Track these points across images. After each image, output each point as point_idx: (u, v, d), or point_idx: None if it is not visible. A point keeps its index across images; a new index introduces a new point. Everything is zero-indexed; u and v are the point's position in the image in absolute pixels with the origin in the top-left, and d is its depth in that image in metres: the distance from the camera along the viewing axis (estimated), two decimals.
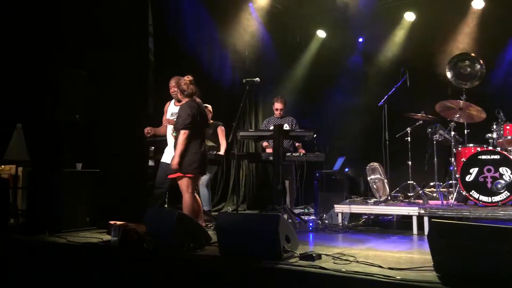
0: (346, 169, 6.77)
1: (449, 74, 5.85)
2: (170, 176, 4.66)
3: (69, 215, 5.09)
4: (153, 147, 6.26)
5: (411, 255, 3.63)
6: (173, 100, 5.34)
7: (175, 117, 5.12)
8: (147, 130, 5.29)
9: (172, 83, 5.19)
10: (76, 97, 5.48)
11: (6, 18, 5.50)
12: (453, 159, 5.47)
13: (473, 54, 5.92)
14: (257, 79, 5.27)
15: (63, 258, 4.21)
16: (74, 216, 5.14)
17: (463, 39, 7.19)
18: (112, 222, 4.35)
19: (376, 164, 6.05)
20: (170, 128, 5.19)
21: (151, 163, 6.31)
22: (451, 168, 5.55)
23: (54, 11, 5.74)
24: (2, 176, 5.97)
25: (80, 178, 5.33)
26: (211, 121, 5.94)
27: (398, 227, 5.38)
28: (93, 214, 5.32)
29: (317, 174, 6.33)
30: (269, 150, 6.31)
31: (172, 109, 5.29)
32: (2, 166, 6.16)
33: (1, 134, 5.71)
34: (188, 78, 4.75)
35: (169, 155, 5.11)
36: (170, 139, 5.15)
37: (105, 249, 4.10)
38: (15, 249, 4.52)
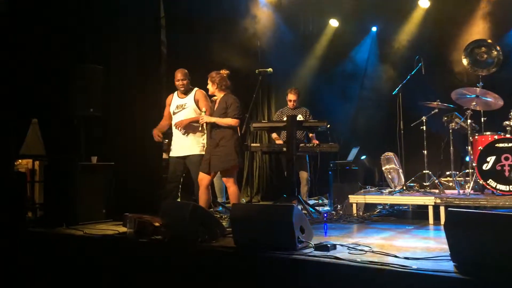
0: (363, 157, 6.73)
1: (465, 61, 5.76)
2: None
3: (85, 208, 5.16)
4: (166, 140, 6.30)
5: (427, 244, 3.60)
6: (176, 92, 5.30)
7: (181, 109, 5.14)
8: (157, 134, 5.21)
9: (179, 75, 5.17)
10: (91, 91, 5.52)
11: (19, 15, 5.56)
12: (469, 147, 5.39)
13: (489, 40, 5.81)
14: (270, 69, 5.24)
15: (80, 250, 4.27)
16: (90, 208, 5.21)
17: (479, 25, 7.03)
18: (127, 214, 4.40)
19: (391, 154, 6.00)
20: (176, 119, 5.17)
21: (165, 156, 6.34)
22: (468, 157, 5.47)
23: (69, 6, 5.78)
24: (19, 170, 6.06)
25: (96, 171, 5.38)
26: None
27: (414, 217, 5.33)
28: (109, 206, 5.38)
29: (331, 165, 6.30)
30: (278, 142, 6.30)
31: (176, 101, 5.24)
32: (19, 160, 6.24)
33: (17, 129, 5.79)
34: (225, 71, 4.88)
35: (177, 149, 5.12)
36: (176, 133, 5.16)
37: (121, 241, 4.14)
38: (33, 241, 4.59)
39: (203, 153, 5.05)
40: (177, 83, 5.18)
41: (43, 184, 5.74)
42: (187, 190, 5.41)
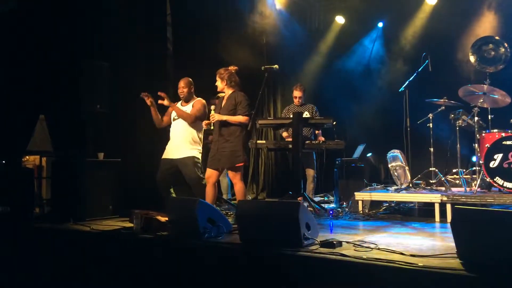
0: (369, 154, 6.72)
1: (472, 58, 5.71)
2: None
3: (92, 204, 5.19)
4: None
5: (433, 242, 3.59)
6: (180, 102, 5.31)
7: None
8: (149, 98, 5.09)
9: (181, 83, 5.18)
10: (98, 88, 5.55)
11: (27, 12, 5.59)
12: (476, 145, 5.36)
13: (497, 37, 5.75)
14: (276, 66, 5.23)
15: (87, 246, 4.30)
16: (97, 204, 5.24)
17: (487, 22, 6.98)
18: (134, 210, 4.42)
19: (397, 151, 5.98)
20: (175, 124, 5.19)
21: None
22: (475, 154, 5.45)
23: (75, 3, 5.81)
24: (27, 167, 6.11)
25: (103, 168, 5.41)
26: None
27: (420, 215, 5.32)
28: (115, 202, 5.41)
29: (337, 162, 6.29)
30: (289, 140, 6.29)
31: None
32: (27, 157, 6.29)
33: (24, 125, 5.83)
34: (233, 68, 4.86)
35: (171, 152, 5.12)
36: (172, 137, 5.17)
37: (128, 237, 4.17)
38: (41, 237, 4.63)
39: (196, 155, 5.10)
40: (179, 90, 5.21)
41: (50, 180, 5.78)
42: (190, 188, 5.41)
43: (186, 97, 5.19)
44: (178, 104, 5.31)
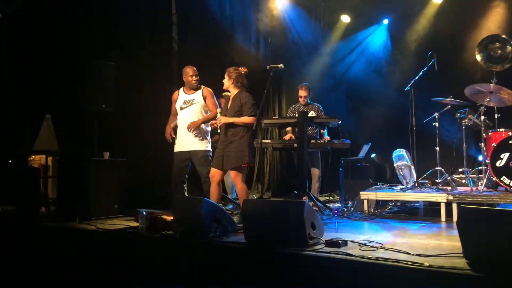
0: (373, 155, 6.70)
1: (478, 57, 5.67)
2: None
3: (98, 203, 5.21)
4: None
5: (439, 242, 3.57)
6: (182, 89, 5.36)
7: (189, 105, 5.20)
8: (170, 132, 5.29)
9: (191, 71, 5.22)
10: (104, 87, 5.56)
11: (33, 12, 5.61)
12: (483, 144, 5.33)
13: (504, 36, 5.71)
14: (281, 65, 5.23)
15: (93, 245, 4.32)
16: (102, 204, 5.26)
17: (493, 20, 6.94)
18: (139, 209, 4.43)
19: (402, 151, 5.96)
20: (183, 114, 5.23)
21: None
22: (481, 153, 5.42)
23: (81, 3, 5.83)
24: (32, 166, 6.13)
25: (108, 167, 5.43)
26: None
27: (426, 214, 5.30)
28: (121, 202, 5.43)
29: (342, 161, 6.28)
30: (286, 137, 6.29)
31: (184, 97, 5.29)
32: (33, 156, 6.31)
33: (31, 124, 5.86)
34: (243, 69, 4.90)
35: (182, 144, 5.17)
36: (181, 128, 5.21)
37: (133, 236, 4.18)
38: (46, 236, 4.65)
39: (209, 148, 5.16)
40: (190, 78, 5.23)
41: (56, 179, 5.80)
42: (197, 186, 5.44)
43: (197, 84, 5.25)
44: (181, 91, 5.33)
